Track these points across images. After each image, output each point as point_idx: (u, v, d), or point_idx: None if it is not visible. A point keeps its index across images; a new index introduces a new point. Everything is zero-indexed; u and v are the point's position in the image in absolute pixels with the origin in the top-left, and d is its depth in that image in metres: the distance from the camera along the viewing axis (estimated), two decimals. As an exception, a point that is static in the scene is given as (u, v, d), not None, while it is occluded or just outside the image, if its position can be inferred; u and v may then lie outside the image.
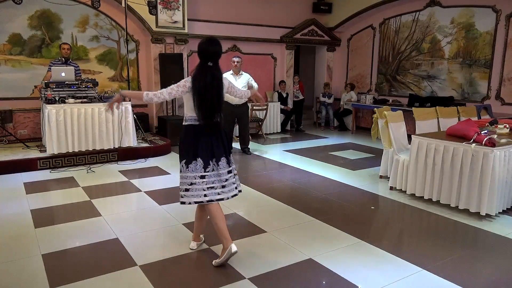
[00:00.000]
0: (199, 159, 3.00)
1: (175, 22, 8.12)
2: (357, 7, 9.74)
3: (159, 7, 7.87)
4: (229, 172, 3.11)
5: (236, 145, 7.32)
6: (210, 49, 2.98)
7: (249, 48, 9.52)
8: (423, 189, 4.44)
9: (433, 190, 4.34)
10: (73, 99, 6.06)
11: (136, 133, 6.65)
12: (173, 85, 3.08)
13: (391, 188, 4.97)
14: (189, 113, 3.05)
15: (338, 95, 10.48)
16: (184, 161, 3.07)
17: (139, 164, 6.21)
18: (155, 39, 8.02)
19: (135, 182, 5.25)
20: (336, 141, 8.50)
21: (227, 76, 6.81)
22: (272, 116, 9.20)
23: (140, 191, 4.90)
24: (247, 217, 4.06)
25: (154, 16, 7.82)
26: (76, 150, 6.03)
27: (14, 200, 4.50)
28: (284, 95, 9.78)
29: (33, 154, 6.04)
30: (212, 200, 3.03)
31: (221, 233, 3.01)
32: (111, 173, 5.70)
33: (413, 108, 5.60)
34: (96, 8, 7.39)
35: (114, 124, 6.28)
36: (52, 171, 5.70)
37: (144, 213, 4.16)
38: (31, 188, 4.95)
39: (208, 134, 3.02)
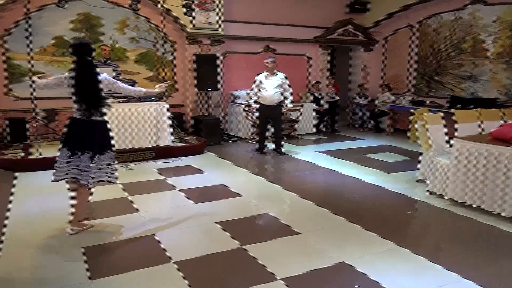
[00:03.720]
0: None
1: (210, 23, 8.23)
2: (394, 6, 9.50)
3: (195, 8, 8.00)
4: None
5: (269, 145, 7.32)
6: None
7: (283, 48, 9.50)
8: (464, 194, 4.27)
9: (475, 196, 4.16)
10: (112, 99, 6.26)
11: (172, 133, 6.79)
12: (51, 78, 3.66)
13: (429, 192, 4.81)
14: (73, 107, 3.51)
15: (374, 96, 10.26)
16: None
17: (174, 163, 6.33)
18: (191, 40, 8.15)
19: (171, 180, 5.36)
20: (371, 143, 8.33)
21: (261, 76, 6.84)
22: (306, 117, 9.14)
23: (175, 189, 4.99)
24: (280, 218, 4.05)
25: (190, 17, 7.96)
26: (115, 148, 6.21)
27: (57, 195, 4.70)
28: (318, 96, 9.69)
29: (75, 151, 6.28)
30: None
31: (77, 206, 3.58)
32: (148, 171, 5.85)
33: (454, 110, 5.40)
34: (135, 10, 7.61)
35: (151, 124, 6.44)
36: (92, 168, 5.91)
37: (178, 211, 4.24)
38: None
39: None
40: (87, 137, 3.46)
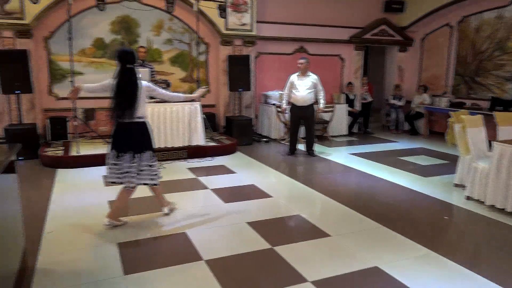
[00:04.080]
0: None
1: (244, 24, 8.28)
2: (432, 5, 9.20)
3: (229, 10, 8.08)
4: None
5: (301, 146, 7.28)
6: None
7: (316, 49, 9.42)
8: (506, 200, 4.07)
9: (517, 202, 3.97)
10: (148, 99, 6.42)
11: (205, 133, 6.89)
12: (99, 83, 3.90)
13: (467, 197, 4.62)
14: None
15: (409, 97, 9.99)
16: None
17: (206, 162, 6.42)
18: (224, 42, 8.24)
19: (203, 179, 5.43)
20: (406, 146, 8.11)
21: (293, 77, 6.81)
22: (339, 118, 9.01)
23: (207, 188, 5.06)
24: (310, 220, 4.01)
25: (224, 19, 8.04)
26: (150, 147, 6.39)
27: (94, 191, 4.88)
28: (352, 97, 9.53)
29: (111, 149, 6.50)
30: None
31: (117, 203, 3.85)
32: (180, 170, 5.96)
33: (495, 112, 5.17)
34: (170, 12, 7.77)
35: (185, 123, 6.56)
36: (127, 166, 6.08)
37: (210, 210, 4.29)
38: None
39: None
40: (127, 138, 3.69)
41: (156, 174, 3.84)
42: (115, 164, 3.69)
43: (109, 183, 3.87)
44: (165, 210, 4.03)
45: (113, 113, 3.66)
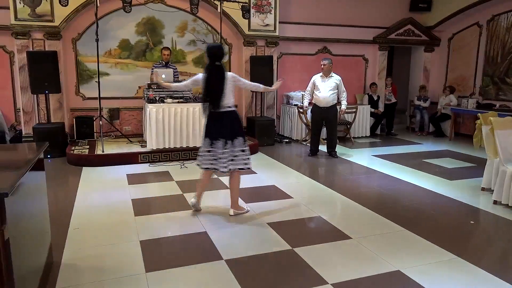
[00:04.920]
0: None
1: (267, 25, 8.28)
2: (461, 4, 8.96)
3: (252, 11, 8.10)
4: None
5: (323, 147, 7.23)
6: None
7: (339, 49, 9.33)
8: (535, 205, 3.93)
9: (548, 208, 3.82)
10: (171, 99, 6.52)
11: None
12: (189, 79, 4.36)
13: (495, 202, 4.48)
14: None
15: (435, 98, 9.76)
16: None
17: (227, 163, 6.44)
18: (247, 42, 8.26)
19: (223, 179, 5.46)
20: (431, 148, 7.93)
21: (316, 78, 6.78)
22: (361, 119, 8.89)
23: (228, 188, 5.07)
24: (331, 222, 3.98)
25: (247, 20, 8.07)
26: (172, 146, 6.49)
27: (118, 189, 4.98)
28: (375, 98, 9.39)
29: (135, 148, 6.63)
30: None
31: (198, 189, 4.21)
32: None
33: (526, 114, 4.99)
34: (194, 14, 7.83)
35: (206, 123, 6.60)
36: (151, 165, 6.20)
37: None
38: (132, 179, 5.44)
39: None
40: (218, 127, 3.97)
41: (249, 159, 4.07)
42: (208, 151, 3.99)
43: (202, 169, 4.11)
44: (231, 212, 4.13)
45: (204, 104, 4.00)
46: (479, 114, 4.91)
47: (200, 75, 4.08)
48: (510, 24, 8.34)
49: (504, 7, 8.39)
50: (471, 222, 4.06)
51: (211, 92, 3.95)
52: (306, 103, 6.98)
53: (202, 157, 4.05)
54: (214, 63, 3.98)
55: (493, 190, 4.58)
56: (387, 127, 9.58)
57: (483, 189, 4.97)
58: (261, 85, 4.56)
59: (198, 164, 4.13)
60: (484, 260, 3.22)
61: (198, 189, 4.21)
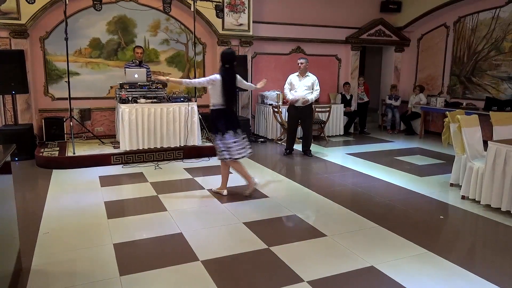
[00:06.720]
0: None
1: (241, 24, 8.28)
2: (429, 5, 9.24)
3: (226, 10, 8.07)
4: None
5: (297, 146, 7.28)
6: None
7: (313, 49, 9.44)
8: (500, 200, 4.10)
9: (512, 202, 3.99)
10: (144, 99, 6.42)
11: (201, 133, 6.88)
12: (203, 77, 4.96)
13: (463, 197, 4.65)
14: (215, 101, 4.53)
15: (405, 97, 10.02)
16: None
17: (203, 163, 6.41)
18: (221, 42, 8.23)
19: (199, 180, 5.43)
20: (402, 146, 8.13)
21: (293, 77, 6.83)
22: (335, 118, 9.03)
23: (203, 188, 5.05)
24: (307, 220, 4.02)
25: (221, 19, 8.04)
26: (146, 147, 6.39)
27: (90, 192, 4.86)
28: (348, 97, 9.55)
29: (108, 150, 6.48)
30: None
31: (243, 175, 4.74)
32: (177, 170, 5.95)
33: (491, 112, 5.20)
34: (167, 12, 7.74)
35: (181, 124, 6.55)
36: (124, 167, 6.08)
37: (206, 210, 4.29)
38: (105, 181, 5.32)
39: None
40: (235, 119, 4.62)
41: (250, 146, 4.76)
42: (234, 142, 4.53)
43: (233, 160, 4.58)
44: (247, 192, 4.72)
45: (223, 102, 4.46)
46: (447, 112, 5.07)
47: (216, 76, 4.45)
48: (475, 25, 8.66)
49: (470, 9, 8.70)
50: (441, 217, 4.19)
51: (227, 92, 4.45)
52: (291, 96, 6.78)
53: (230, 150, 4.51)
54: (225, 65, 4.47)
55: (461, 186, 4.74)
56: (360, 125, 9.76)
57: (451, 185, 5.14)
58: (253, 85, 5.09)
59: (226, 158, 4.55)
60: (453, 253, 3.33)
61: (243, 173, 4.72)
